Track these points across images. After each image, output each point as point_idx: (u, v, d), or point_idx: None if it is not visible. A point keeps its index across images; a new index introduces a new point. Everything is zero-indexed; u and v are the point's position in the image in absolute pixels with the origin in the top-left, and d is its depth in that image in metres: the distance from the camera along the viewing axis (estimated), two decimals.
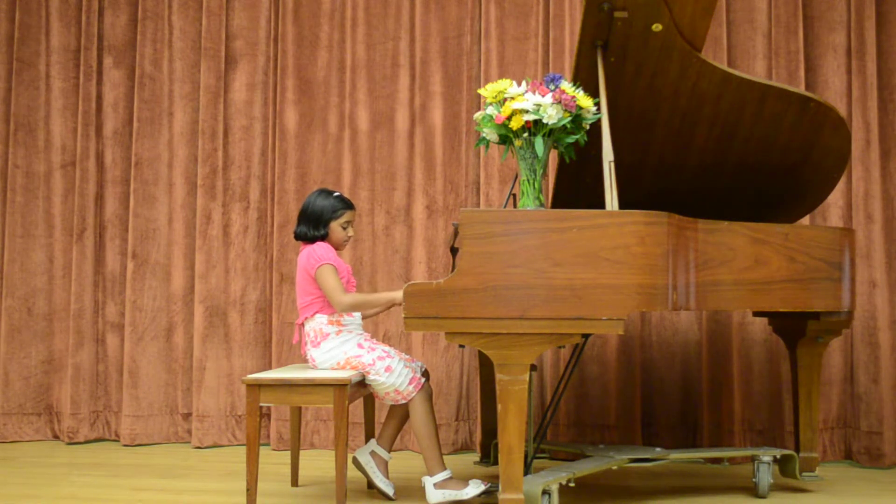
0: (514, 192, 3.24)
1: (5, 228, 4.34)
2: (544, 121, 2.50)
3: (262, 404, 2.82)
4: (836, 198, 3.85)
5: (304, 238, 3.08)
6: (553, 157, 3.35)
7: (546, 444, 3.46)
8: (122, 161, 4.36)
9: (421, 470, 3.04)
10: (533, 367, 2.79)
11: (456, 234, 3.25)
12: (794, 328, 3.20)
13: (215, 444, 4.13)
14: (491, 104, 2.60)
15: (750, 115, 2.98)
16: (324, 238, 3.07)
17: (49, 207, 4.37)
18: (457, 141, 4.15)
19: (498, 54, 4.09)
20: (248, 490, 2.80)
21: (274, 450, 4.06)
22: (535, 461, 3.05)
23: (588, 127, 2.61)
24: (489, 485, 2.90)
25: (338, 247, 3.11)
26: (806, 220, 3.75)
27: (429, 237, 4.10)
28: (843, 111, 3.85)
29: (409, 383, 2.96)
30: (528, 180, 2.58)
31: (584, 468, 2.82)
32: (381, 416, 3.54)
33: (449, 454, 3.91)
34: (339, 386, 2.78)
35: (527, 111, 2.50)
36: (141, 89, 4.31)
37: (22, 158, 4.37)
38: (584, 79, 2.78)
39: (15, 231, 4.34)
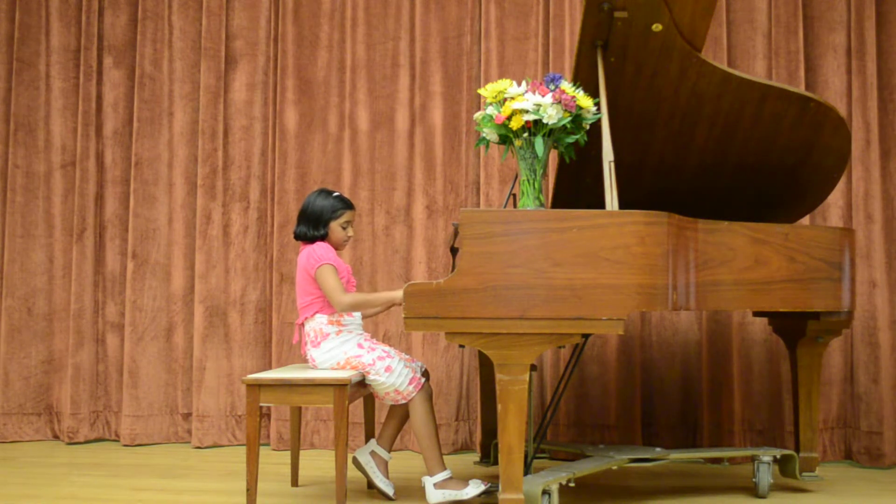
0: (514, 192, 3.24)
1: (5, 228, 4.34)
2: (544, 121, 2.50)
3: (262, 404, 2.82)
4: (836, 198, 3.85)
5: (304, 238, 3.08)
6: (553, 157, 3.34)
7: (546, 444, 3.46)
8: (122, 161, 4.36)
9: (421, 470, 3.04)
10: (533, 367, 2.79)
11: (456, 234, 3.25)
12: (794, 328, 3.20)
13: (215, 444, 4.13)
14: (491, 104, 2.60)
15: (750, 115, 2.98)
16: (323, 238, 3.07)
17: (49, 207, 4.37)
18: (457, 141, 4.15)
19: (498, 54, 4.09)
20: (248, 490, 2.80)
21: (274, 450, 4.06)
22: (535, 461, 3.05)
23: (588, 127, 2.61)
24: (489, 485, 2.90)
25: (338, 247, 3.11)
26: (806, 220, 3.75)
27: (429, 237, 4.10)
28: (843, 111, 3.85)
29: (409, 383, 2.96)
30: (528, 180, 2.58)
31: (584, 468, 2.82)
32: (381, 416, 3.54)
33: (449, 454, 3.91)
34: (339, 386, 2.78)
35: (527, 111, 2.50)
36: (141, 89, 4.31)
37: (22, 158, 4.37)
38: (584, 79, 2.78)
39: (15, 231, 4.34)
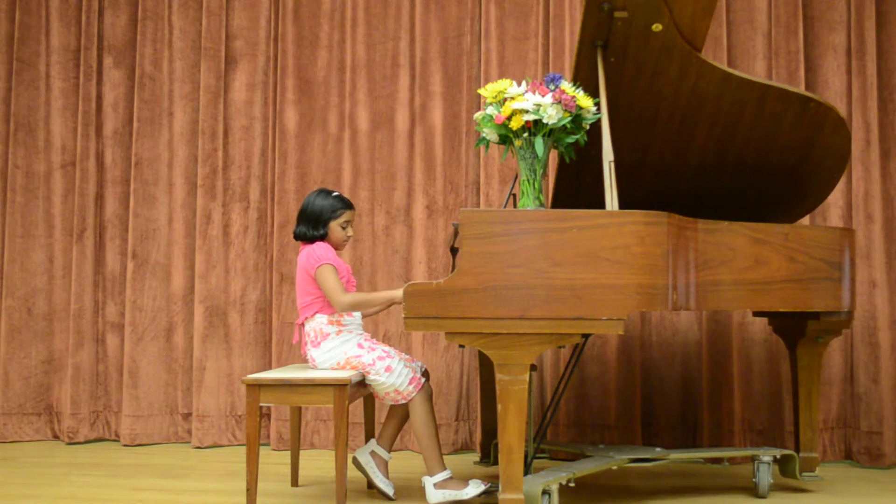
0: (514, 192, 3.24)
1: (5, 228, 4.34)
2: (544, 121, 2.50)
3: (262, 404, 2.82)
4: (836, 198, 3.85)
5: (304, 238, 3.08)
6: (553, 157, 3.35)
7: (546, 444, 3.46)
8: (122, 161, 4.36)
9: (421, 470, 3.04)
10: (533, 367, 2.79)
11: (456, 234, 3.25)
12: (794, 328, 3.20)
13: (215, 444, 4.13)
14: (491, 104, 2.60)
15: (750, 115, 2.97)
16: (323, 238, 3.07)
17: (49, 207, 4.37)
18: (457, 141, 4.15)
19: (498, 54, 4.09)
20: (248, 490, 2.80)
21: (274, 450, 4.06)
22: (535, 461, 3.05)
23: (588, 127, 2.61)
24: (489, 485, 2.90)
25: (337, 247, 3.11)
26: (806, 220, 3.75)
27: (429, 237, 4.10)
28: (843, 111, 3.85)
29: (409, 383, 2.96)
30: (528, 180, 2.58)
31: (584, 468, 2.82)
32: (381, 416, 3.54)
33: (449, 454, 3.91)
34: (339, 386, 2.78)
35: (527, 111, 2.50)
36: (141, 89, 4.31)
37: (22, 158, 4.37)
38: (584, 79, 2.78)
39: (15, 231, 4.34)
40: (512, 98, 2.54)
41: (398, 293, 2.87)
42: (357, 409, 3.85)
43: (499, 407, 2.45)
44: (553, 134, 2.56)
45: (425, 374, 3.07)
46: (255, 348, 4.21)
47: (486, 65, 4.09)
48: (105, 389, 4.29)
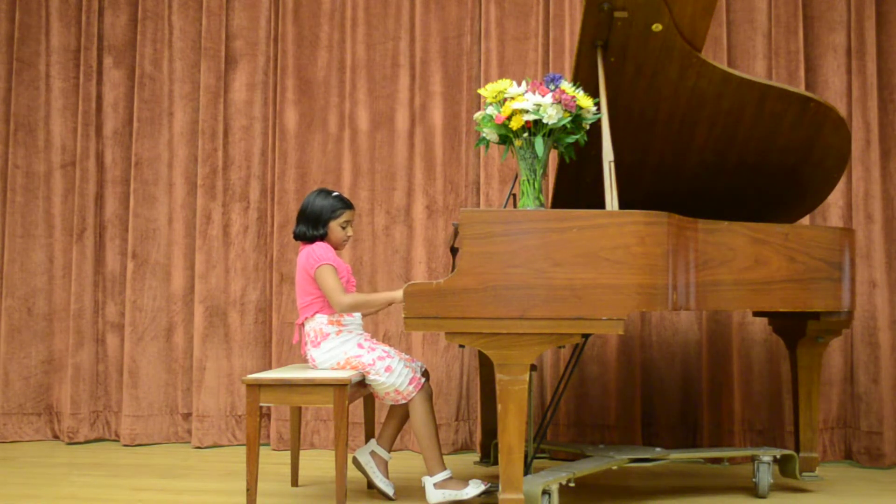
0: (514, 192, 3.24)
1: (5, 228, 4.34)
2: (544, 121, 2.50)
3: (262, 404, 2.82)
4: (836, 198, 3.85)
5: (304, 238, 3.08)
6: (553, 157, 3.35)
7: (546, 444, 3.46)
8: (122, 161, 4.36)
9: (421, 470, 3.04)
10: (533, 367, 2.79)
11: (456, 234, 3.25)
12: (794, 328, 3.20)
13: (215, 444, 4.13)
14: (491, 104, 2.60)
15: (750, 116, 2.97)
16: (323, 238, 3.07)
17: (49, 207, 4.37)
18: (457, 141, 4.15)
19: (498, 54, 4.09)
20: (248, 490, 2.80)
21: (274, 450, 4.06)
22: (535, 461, 3.05)
23: (588, 127, 2.61)
24: (489, 485, 2.90)
25: (337, 246, 3.11)
26: (806, 220, 3.75)
27: (429, 237, 4.10)
28: (843, 111, 3.85)
29: (409, 383, 2.96)
30: (528, 180, 2.58)
31: (584, 468, 2.82)
32: (381, 416, 3.54)
33: (449, 454, 3.91)
34: (339, 386, 2.78)
35: (527, 111, 2.50)
36: (141, 89, 4.31)
37: (22, 158, 4.37)
38: (584, 79, 2.78)
39: (15, 231, 4.34)
40: (512, 98, 2.54)
41: (398, 294, 2.87)
42: (357, 409, 3.85)
43: (499, 407, 2.45)
44: (553, 134, 2.56)
45: (425, 374, 3.07)
46: (255, 348, 4.21)
47: (486, 65, 4.09)
48: (105, 389, 4.29)
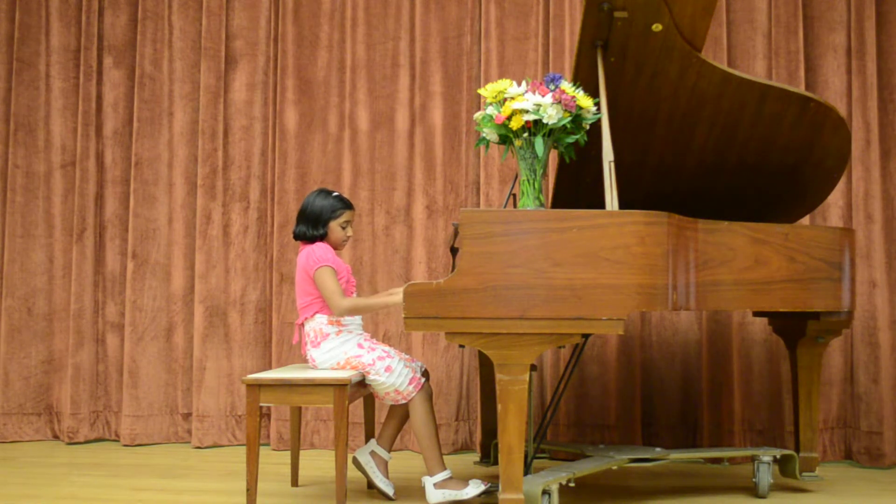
0: (514, 192, 3.24)
1: (5, 228, 4.34)
2: (544, 121, 2.50)
3: (262, 404, 2.82)
4: (836, 198, 3.85)
5: (304, 238, 3.08)
6: (553, 157, 3.35)
7: (546, 444, 3.46)
8: (122, 161, 4.36)
9: (421, 470, 3.04)
10: (533, 367, 2.79)
11: (456, 234, 3.25)
12: (794, 328, 3.20)
13: (215, 444, 4.13)
14: (491, 104, 2.60)
15: (750, 116, 2.97)
16: (323, 238, 3.07)
17: (49, 207, 4.37)
18: (457, 141, 4.15)
19: (498, 54, 4.09)
20: (248, 490, 2.80)
21: (274, 450, 4.06)
22: (535, 461, 3.05)
23: (588, 127, 2.61)
24: (489, 485, 2.90)
25: (337, 247, 3.11)
26: (806, 220, 3.75)
27: (429, 237, 4.10)
28: (843, 111, 3.85)
29: (409, 383, 2.96)
30: (528, 180, 2.58)
31: (584, 468, 2.82)
32: (381, 416, 3.54)
33: (449, 454, 3.91)
34: (339, 386, 2.78)
35: (527, 111, 2.50)
36: (141, 89, 4.31)
37: (22, 158, 4.37)
38: (584, 79, 2.78)
39: (15, 231, 4.34)
40: (512, 98, 2.54)
41: (398, 299, 2.86)
42: (357, 409, 3.85)
43: (499, 407, 2.45)
44: (553, 134, 2.56)
45: (425, 374, 3.07)
46: (255, 348, 4.21)
47: (486, 65, 4.09)
48: (105, 389, 4.29)
